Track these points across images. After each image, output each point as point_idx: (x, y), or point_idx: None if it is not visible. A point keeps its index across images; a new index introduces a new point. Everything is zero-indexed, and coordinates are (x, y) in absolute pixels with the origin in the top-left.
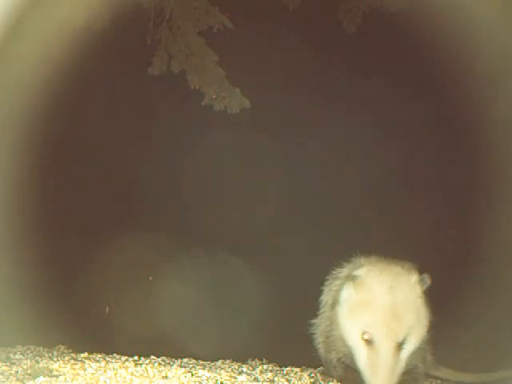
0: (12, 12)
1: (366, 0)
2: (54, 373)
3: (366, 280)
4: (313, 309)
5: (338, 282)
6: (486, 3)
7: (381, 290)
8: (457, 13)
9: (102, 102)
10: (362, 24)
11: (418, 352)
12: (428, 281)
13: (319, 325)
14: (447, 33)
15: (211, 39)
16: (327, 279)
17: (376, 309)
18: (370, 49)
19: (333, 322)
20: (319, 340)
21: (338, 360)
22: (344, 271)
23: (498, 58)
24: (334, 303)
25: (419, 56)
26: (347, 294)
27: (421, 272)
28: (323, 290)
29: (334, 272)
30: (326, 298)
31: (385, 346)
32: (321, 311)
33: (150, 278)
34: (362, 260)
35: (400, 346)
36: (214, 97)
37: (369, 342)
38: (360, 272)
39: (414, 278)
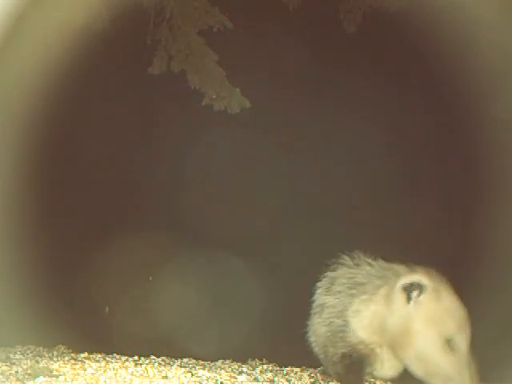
0: (12, 12)
1: (366, 0)
2: (54, 373)
3: (434, 287)
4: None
5: (352, 287)
6: (486, 3)
7: (451, 294)
8: (457, 13)
9: (102, 102)
10: (362, 24)
11: None
12: None
13: (313, 325)
14: (447, 33)
15: (211, 39)
16: (320, 280)
17: (456, 313)
18: (370, 49)
19: (349, 324)
20: (313, 339)
21: (343, 355)
22: (354, 277)
23: (498, 58)
24: (354, 308)
25: (419, 56)
26: (404, 301)
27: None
28: (317, 291)
29: (329, 274)
30: (325, 301)
31: (466, 347)
32: (314, 312)
33: (150, 278)
34: (395, 267)
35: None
36: (214, 97)
37: (451, 348)
38: (421, 281)
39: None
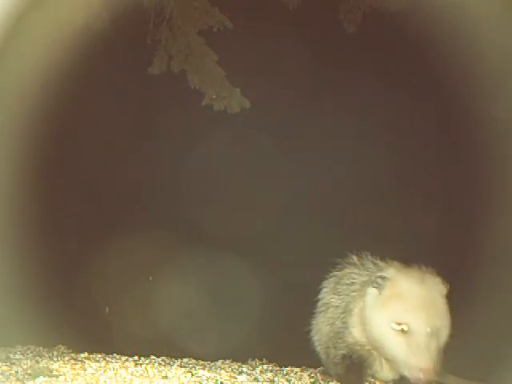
0: (12, 12)
1: (366, 0)
2: (54, 373)
3: (395, 278)
4: (313, 309)
5: (351, 287)
6: (486, 3)
7: (411, 283)
8: (457, 13)
9: (102, 102)
10: (362, 24)
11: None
12: (447, 286)
13: (317, 324)
14: (447, 33)
15: (211, 39)
16: (327, 279)
17: (410, 298)
18: (370, 49)
19: (347, 324)
20: (317, 338)
21: (343, 356)
22: (357, 277)
23: (498, 58)
24: (350, 308)
25: (419, 56)
26: (374, 294)
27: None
28: (322, 291)
29: (335, 274)
30: (329, 300)
31: (423, 330)
32: (319, 310)
33: (150, 278)
34: (380, 264)
35: (433, 336)
36: (214, 97)
37: (404, 332)
38: (386, 274)
39: (438, 278)
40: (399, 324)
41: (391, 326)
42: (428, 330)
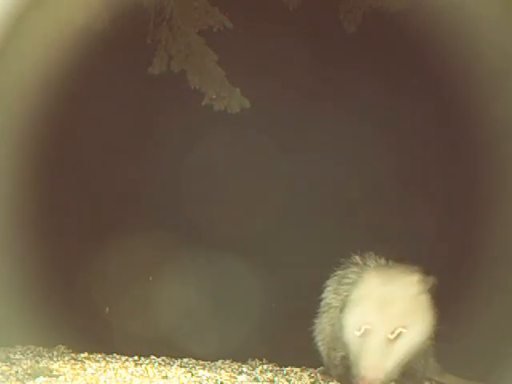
0: (12, 12)
1: (366, 0)
2: (54, 373)
3: (364, 277)
4: (313, 309)
5: (346, 287)
6: (486, 3)
7: (376, 283)
8: (457, 13)
9: (102, 102)
10: (362, 24)
11: (419, 355)
12: (431, 281)
13: (321, 324)
14: (447, 33)
15: (211, 39)
16: (330, 278)
17: (371, 299)
18: (370, 49)
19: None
20: (320, 338)
21: (342, 358)
22: (352, 276)
23: (498, 58)
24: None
25: (419, 56)
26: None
27: (428, 274)
28: (326, 290)
29: (339, 273)
30: (331, 300)
31: (377, 332)
32: (323, 310)
33: (150, 278)
34: (372, 263)
35: (395, 337)
36: (214, 97)
37: (366, 334)
38: (362, 274)
39: (416, 277)
40: (360, 327)
41: (356, 328)
42: (388, 332)
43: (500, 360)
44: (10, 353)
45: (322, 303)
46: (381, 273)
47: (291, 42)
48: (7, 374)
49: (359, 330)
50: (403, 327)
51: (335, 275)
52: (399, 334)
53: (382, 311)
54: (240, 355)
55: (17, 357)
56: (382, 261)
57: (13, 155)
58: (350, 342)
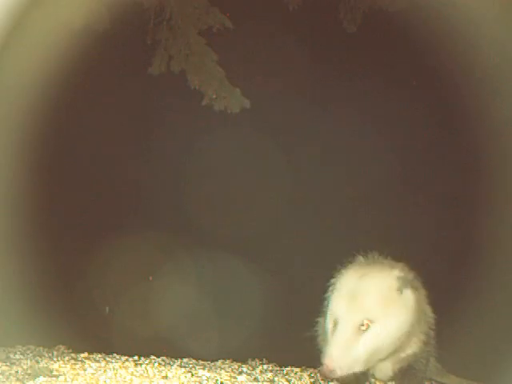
0: (12, 12)
1: (366, 0)
2: (54, 373)
3: (343, 272)
4: (313, 309)
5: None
6: (486, 3)
7: (352, 277)
8: (457, 13)
9: (102, 102)
10: (362, 24)
11: (417, 355)
12: (411, 277)
13: (322, 323)
14: (447, 33)
15: (211, 39)
16: (332, 278)
17: (342, 292)
18: (370, 48)
19: None
20: (321, 338)
21: None
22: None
23: (498, 57)
24: None
25: (419, 56)
26: None
27: (417, 272)
28: (328, 289)
29: (340, 273)
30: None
31: (343, 324)
32: (325, 310)
33: (150, 278)
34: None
35: (363, 330)
36: (214, 97)
37: (335, 326)
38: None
39: (394, 273)
40: (332, 320)
41: (329, 322)
42: (355, 324)
43: (500, 360)
44: (9, 353)
45: (325, 302)
46: (359, 268)
47: (291, 42)
48: (7, 373)
49: (331, 322)
50: (370, 320)
51: (337, 275)
52: (373, 327)
53: (350, 303)
54: (240, 355)
55: (17, 357)
56: (375, 258)
57: (13, 155)
58: (326, 335)
